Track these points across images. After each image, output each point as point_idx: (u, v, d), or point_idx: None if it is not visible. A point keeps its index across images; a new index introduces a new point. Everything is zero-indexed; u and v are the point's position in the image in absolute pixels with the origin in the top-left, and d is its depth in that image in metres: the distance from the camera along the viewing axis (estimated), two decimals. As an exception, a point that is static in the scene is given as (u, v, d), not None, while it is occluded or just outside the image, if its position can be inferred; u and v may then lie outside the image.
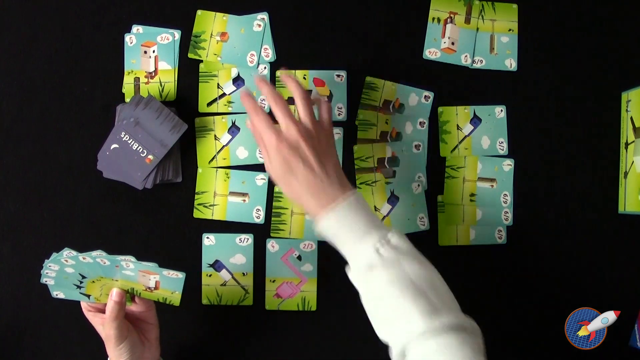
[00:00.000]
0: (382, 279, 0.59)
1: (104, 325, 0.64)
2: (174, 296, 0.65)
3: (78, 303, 0.75)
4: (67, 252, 0.61)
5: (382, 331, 0.61)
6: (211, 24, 0.78)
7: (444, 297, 0.60)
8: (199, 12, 0.78)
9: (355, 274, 0.62)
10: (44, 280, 0.64)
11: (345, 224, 0.62)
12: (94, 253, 0.61)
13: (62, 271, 0.63)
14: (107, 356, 0.67)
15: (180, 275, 0.63)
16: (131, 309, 0.67)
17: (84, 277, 0.64)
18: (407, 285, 0.59)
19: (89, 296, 0.65)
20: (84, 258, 0.61)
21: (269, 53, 0.78)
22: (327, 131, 0.68)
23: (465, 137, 0.79)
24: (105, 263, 0.62)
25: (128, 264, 0.61)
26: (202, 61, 0.78)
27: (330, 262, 0.77)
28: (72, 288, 0.65)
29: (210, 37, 0.78)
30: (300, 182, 0.64)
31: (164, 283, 0.64)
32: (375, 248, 0.60)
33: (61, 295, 0.66)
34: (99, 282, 0.64)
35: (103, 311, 0.65)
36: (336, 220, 0.62)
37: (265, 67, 0.78)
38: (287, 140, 0.64)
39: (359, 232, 0.61)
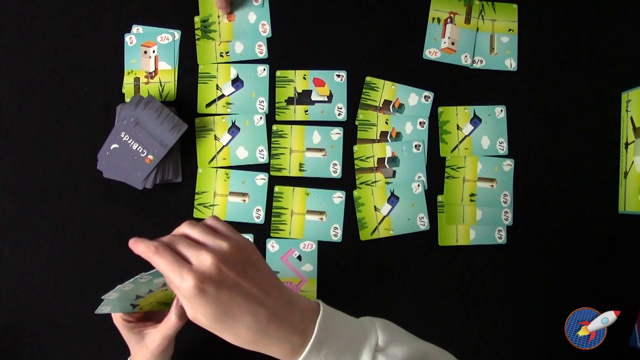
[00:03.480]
0: None
1: (150, 335, 0.61)
2: None
3: (78, 303, 0.76)
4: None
5: None
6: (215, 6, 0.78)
7: None
8: None
9: None
10: (107, 296, 0.59)
11: (330, 355, 0.50)
12: None
13: (123, 293, 0.59)
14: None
15: None
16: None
17: (141, 295, 0.61)
18: None
19: (134, 307, 0.62)
20: None
21: (266, 29, 0.78)
22: (239, 240, 0.53)
23: (465, 137, 0.79)
24: None
25: None
26: (212, 40, 0.78)
27: (330, 262, 0.77)
28: (126, 302, 0.61)
29: (218, 17, 0.78)
30: (250, 323, 0.49)
31: None
32: None
33: (106, 311, 0.60)
34: (155, 295, 0.62)
35: (142, 320, 0.64)
36: (324, 354, 0.50)
37: (264, 69, 0.78)
38: (206, 274, 0.48)
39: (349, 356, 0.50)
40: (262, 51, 0.78)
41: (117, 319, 0.63)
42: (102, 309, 0.58)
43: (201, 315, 0.49)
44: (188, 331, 0.69)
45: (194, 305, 0.48)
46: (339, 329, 0.51)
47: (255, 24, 0.79)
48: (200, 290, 0.47)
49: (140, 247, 0.50)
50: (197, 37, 0.78)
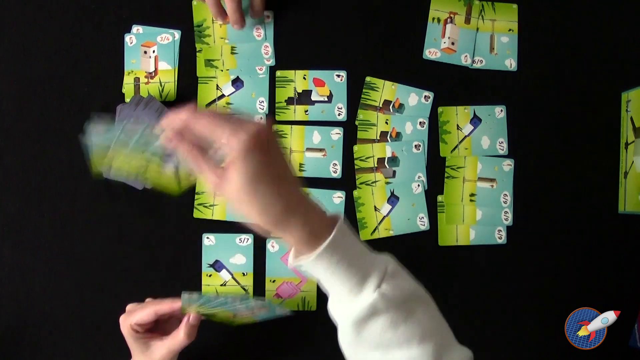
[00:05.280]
0: (382, 325, 0.50)
1: (156, 346, 0.63)
2: (245, 320, 0.66)
3: (78, 303, 0.76)
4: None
5: None
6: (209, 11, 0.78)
7: (448, 334, 0.55)
8: (194, 2, 0.78)
9: (351, 327, 0.52)
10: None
11: (344, 262, 0.50)
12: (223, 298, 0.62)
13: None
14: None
15: (289, 313, 0.66)
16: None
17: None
18: (413, 329, 0.51)
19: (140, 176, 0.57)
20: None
21: (268, 51, 0.78)
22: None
23: (465, 137, 0.79)
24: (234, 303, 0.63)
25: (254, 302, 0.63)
26: (203, 48, 0.78)
27: (330, 262, 0.77)
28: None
29: (212, 22, 0.78)
30: (275, 195, 0.49)
31: (262, 315, 0.65)
32: (376, 288, 0.51)
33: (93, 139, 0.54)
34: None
35: (151, 330, 0.65)
36: (334, 259, 0.50)
37: (264, 69, 0.78)
38: (255, 135, 0.48)
39: (360, 269, 0.51)
40: (267, 52, 0.78)
41: (125, 327, 0.64)
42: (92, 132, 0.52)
43: (237, 177, 0.47)
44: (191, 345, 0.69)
45: (237, 164, 0.47)
46: (355, 242, 0.52)
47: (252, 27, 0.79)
48: (248, 149, 0.47)
49: (184, 112, 0.49)
50: (198, 49, 0.78)
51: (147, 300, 0.66)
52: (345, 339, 0.53)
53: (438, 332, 0.53)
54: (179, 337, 0.63)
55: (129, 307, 0.65)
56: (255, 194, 0.48)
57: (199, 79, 0.78)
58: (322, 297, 0.77)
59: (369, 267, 0.51)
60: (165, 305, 0.63)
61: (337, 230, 0.50)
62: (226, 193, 0.49)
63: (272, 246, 0.77)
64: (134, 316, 0.63)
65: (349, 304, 0.51)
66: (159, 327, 0.66)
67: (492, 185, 0.78)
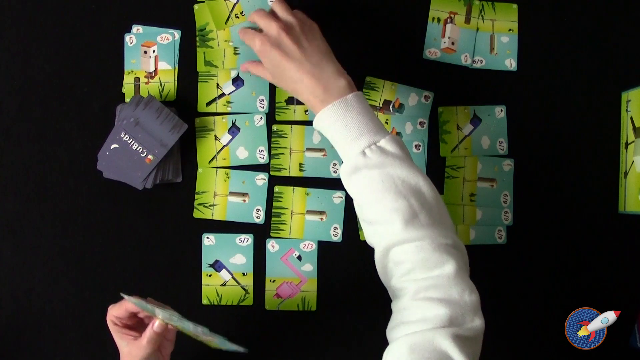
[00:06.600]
0: (363, 181, 0.61)
1: (130, 345, 0.63)
2: (214, 345, 0.65)
3: (78, 303, 0.76)
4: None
5: (368, 234, 0.63)
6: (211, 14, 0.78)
7: (430, 205, 0.61)
8: (196, 6, 0.78)
9: (343, 176, 0.63)
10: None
11: (340, 123, 0.62)
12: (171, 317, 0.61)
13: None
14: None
15: (242, 350, 0.64)
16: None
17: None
18: (388, 188, 0.60)
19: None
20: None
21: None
22: (306, 21, 0.68)
23: (465, 137, 0.79)
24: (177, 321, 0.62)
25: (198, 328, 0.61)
26: (206, 52, 0.78)
27: (330, 262, 0.77)
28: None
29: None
30: (292, 75, 0.64)
31: (219, 344, 0.64)
32: (361, 151, 0.61)
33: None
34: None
35: (130, 327, 0.64)
36: (332, 119, 0.62)
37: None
38: (268, 38, 0.65)
39: (353, 133, 0.61)
40: None
41: (108, 315, 0.64)
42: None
43: (266, 65, 0.67)
44: (181, 332, 0.69)
45: (262, 58, 0.67)
46: (360, 113, 0.62)
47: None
48: (262, 50, 0.66)
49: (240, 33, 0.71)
50: (198, 44, 0.78)
51: (148, 299, 0.66)
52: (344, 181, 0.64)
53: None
54: (141, 343, 0.62)
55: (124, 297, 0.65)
56: (277, 77, 0.67)
57: (199, 74, 0.78)
58: (322, 297, 0.77)
59: (360, 134, 0.61)
60: (134, 304, 0.62)
61: (342, 100, 0.62)
62: (264, 74, 0.70)
63: (272, 246, 0.77)
64: (115, 307, 0.63)
65: (344, 156, 0.63)
66: (142, 327, 0.65)
67: (492, 185, 0.78)
